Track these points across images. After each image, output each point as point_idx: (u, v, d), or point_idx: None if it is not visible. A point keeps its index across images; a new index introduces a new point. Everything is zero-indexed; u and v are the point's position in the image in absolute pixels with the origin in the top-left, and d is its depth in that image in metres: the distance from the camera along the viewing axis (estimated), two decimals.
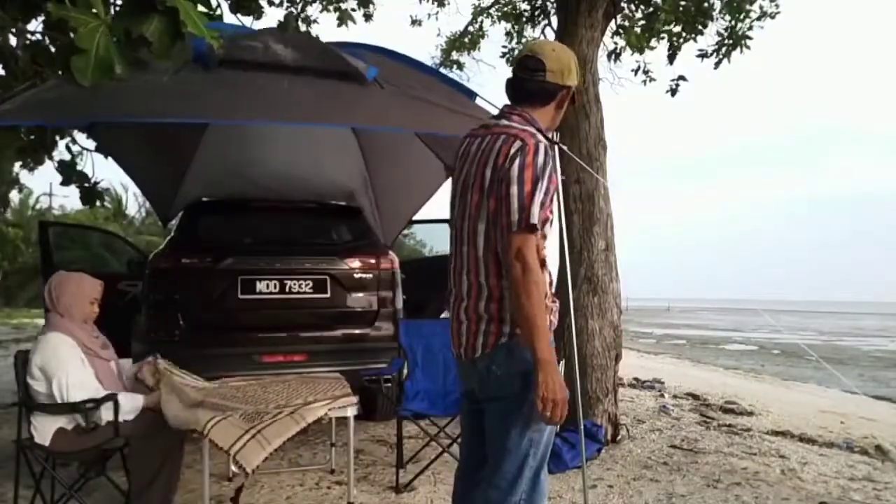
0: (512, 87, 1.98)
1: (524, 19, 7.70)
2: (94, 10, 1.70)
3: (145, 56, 1.84)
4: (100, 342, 3.03)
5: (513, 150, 1.77)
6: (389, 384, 4.91)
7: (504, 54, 8.17)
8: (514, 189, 1.72)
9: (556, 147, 2.98)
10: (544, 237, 1.84)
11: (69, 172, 3.90)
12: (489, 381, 1.86)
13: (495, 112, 3.17)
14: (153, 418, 2.84)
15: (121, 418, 2.74)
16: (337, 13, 6.52)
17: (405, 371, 4.17)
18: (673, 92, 6.94)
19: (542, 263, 1.82)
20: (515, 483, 1.84)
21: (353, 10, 6.68)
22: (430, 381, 4.14)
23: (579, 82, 2.06)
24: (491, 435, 1.88)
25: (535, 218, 1.71)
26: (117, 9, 1.82)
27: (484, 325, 1.85)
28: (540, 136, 1.85)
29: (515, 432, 1.82)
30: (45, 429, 2.76)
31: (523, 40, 8.14)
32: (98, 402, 2.74)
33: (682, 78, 6.84)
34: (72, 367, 2.77)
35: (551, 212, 1.82)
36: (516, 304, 1.74)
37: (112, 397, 2.74)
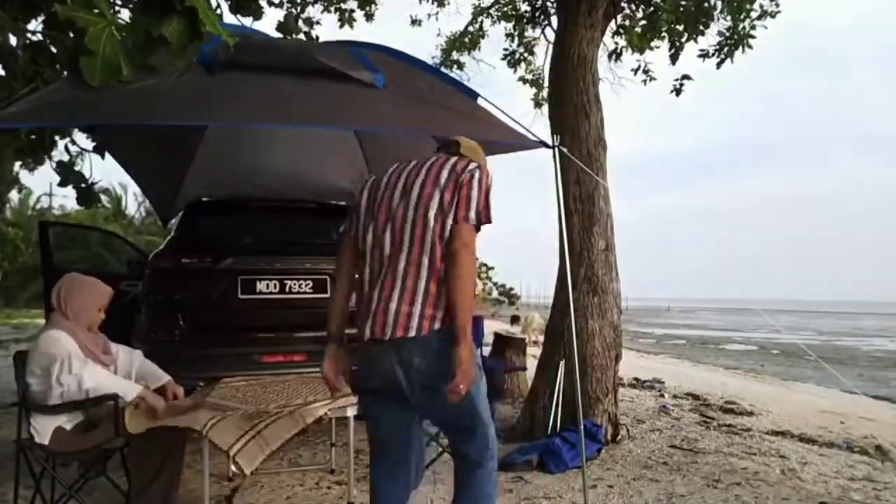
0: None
1: (524, 20, 7.70)
2: (96, 11, 1.71)
3: (153, 60, 1.85)
4: (100, 346, 3.02)
5: (471, 166, 2.11)
6: None
7: (505, 56, 8.18)
8: (474, 193, 2.06)
9: (556, 148, 2.99)
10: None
11: (67, 173, 3.91)
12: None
13: (496, 112, 3.17)
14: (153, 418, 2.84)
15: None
16: (338, 13, 6.55)
17: None
18: (677, 92, 6.95)
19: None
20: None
21: (353, 11, 6.70)
22: None
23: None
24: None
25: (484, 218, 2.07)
26: (131, 8, 1.84)
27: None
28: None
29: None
30: (44, 428, 2.75)
31: (524, 41, 8.16)
32: (97, 401, 2.74)
33: (686, 77, 6.84)
34: (71, 350, 2.73)
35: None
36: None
37: (113, 397, 2.74)
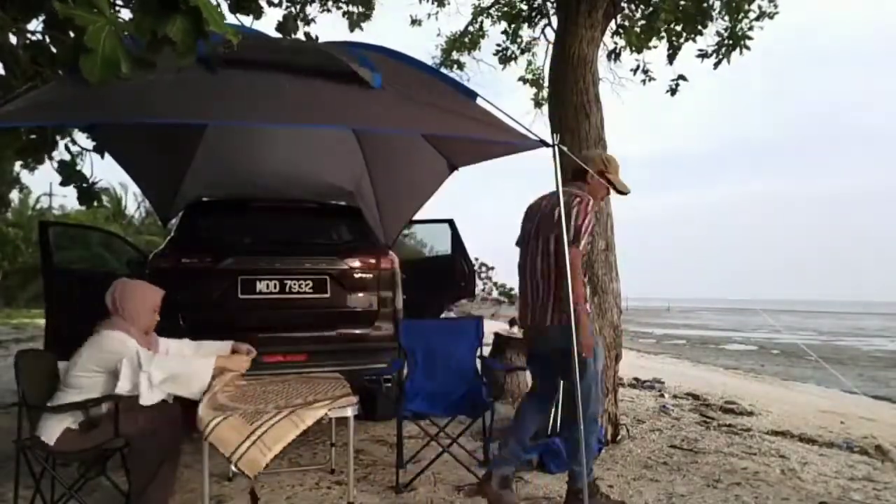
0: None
1: (521, 18, 7.71)
2: (95, 10, 1.71)
3: (150, 57, 1.85)
4: (155, 348, 3.06)
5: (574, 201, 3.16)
6: (389, 384, 4.91)
7: (497, 52, 8.19)
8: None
9: (556, 147, 2.98)
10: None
11: (69, 172, 3.91)
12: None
13: (496, 112, 3.17)
14: (153, 418, 2.84)
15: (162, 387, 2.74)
16: (345, 16, 6.56)
17: (405, 371, 4.16)
18: (673, 91, 6.97)
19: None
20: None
21: (364, 13, 6.71)
22: (431, 381, 4.14)
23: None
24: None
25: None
26: (132, 7, 1.85)
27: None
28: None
29: None
30: (52, 429, 2.76)
31: (518, 40, 8.17)
32: (98, 401, 2.74)
33: (682, 77, 6.87)
34: (142, 356, 2.77)
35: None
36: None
37: (112, 397, 2.74)
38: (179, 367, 2.87)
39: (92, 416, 2.78)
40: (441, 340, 4.23)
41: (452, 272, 5.80)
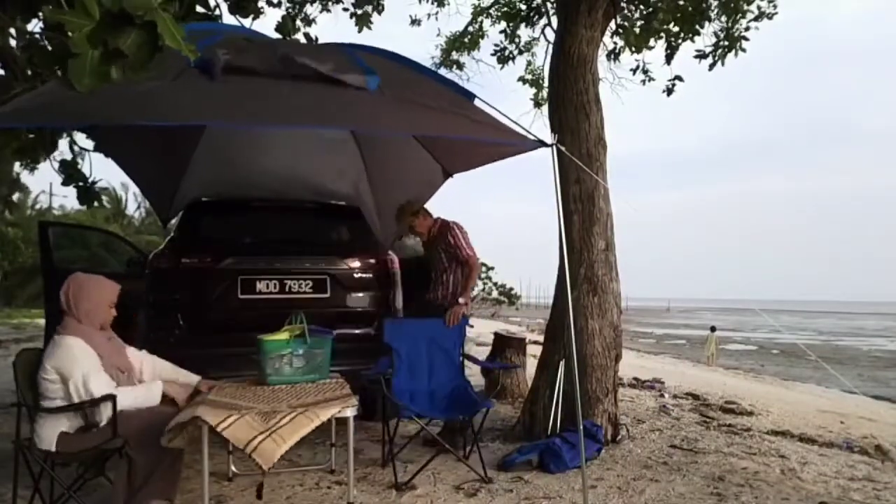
0: None
1: (519, 18, 7.71)
2: (90, 14, 1.70)
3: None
4: (116, 348, 3.03)
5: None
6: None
7: (495, 52, 8.20)
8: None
9: (555, 148, 2.99)
10: None
11: (70, 172, 3.92)
12: None
13: (494, 113, 3.17)
14: (153, 417, 2.84)
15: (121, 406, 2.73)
16: (352, 17, 6.57)
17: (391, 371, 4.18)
18: (669, 92, 6.99)
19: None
20: None
21: (370, 14, 6.71)
22: (416, 381, 4.16)
23: None
24: None
25: None
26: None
27: None
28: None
29: None
30: (48, 435, 2.75)
31: (516, 39, 8.18)
32: (96, 402, 2.74)
33: (678, 78, 6.90)
34: (89, 367, 2.76)
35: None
36: None
37: (110, 397, 2.74)
38: (127, 399, 2.81)
39: (89, 418, 2.78)
40: (426, 339, 4.27)
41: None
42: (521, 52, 8.25)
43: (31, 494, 2.88)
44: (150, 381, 3.07)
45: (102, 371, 2.82)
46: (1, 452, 4.13)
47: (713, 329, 17.37)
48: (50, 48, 2.91)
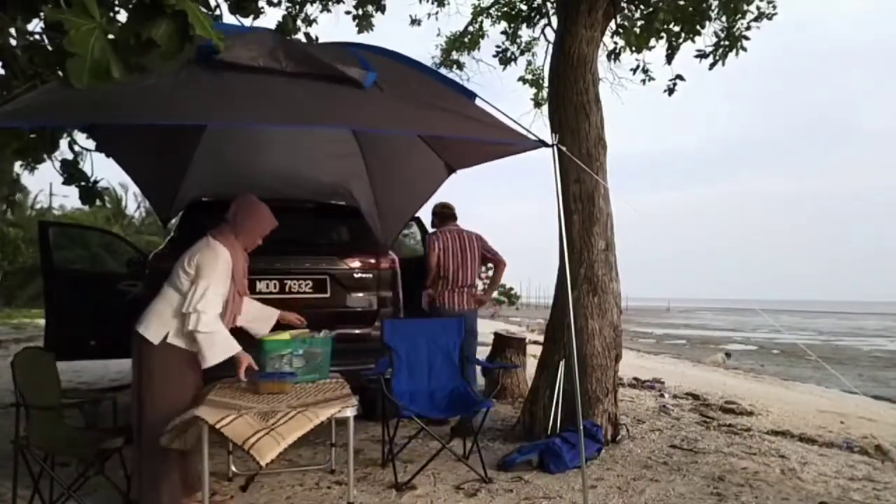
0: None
1: (520, 19, 7.71)
2: (91, 14, 1.70)
3: (143, 61, 1.83)
4: (244, 271, 3.19)
5: None
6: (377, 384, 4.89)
7: (497, 53, 8.20)
8: None
9: (555, 148, 2.98)
10: None
11: (71, 171, 3.91)
12: None
13: (495, 113, 3.17)
14: (170, 417, 2.84)
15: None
16: (354, 19, 6.58)
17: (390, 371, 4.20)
18: (670, 91, 6.99)
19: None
20: None
21: (349, 12, 6.71)
22: (415, 381, 4.19)
23: None
24: None
25: None
26: (116, 12, 1.82)
27: None
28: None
29: None
30: (156, 329, 2.91)
31: (518, 40, 8.18)
32: (96, 402, 2.75)
33: (679, 77, 6.89)
34: (219, 283, 2.93)
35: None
36: None
37: (110, 397, 2.76)
38: (219, 327, 2.94)
39: (89, 415, 2.80)
40: (426, 339, 4.30)
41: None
42: (522, 53, 8.26)
43: (31, 494, 2.88)
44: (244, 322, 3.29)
45: (222, 297, 2.98)
46: (1, 452, 4.14)
47: (728, 355, 17.67)
48: (50, 48, 2.91)
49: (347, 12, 6.78)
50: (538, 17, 7.38)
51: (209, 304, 2.85)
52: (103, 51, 1.71)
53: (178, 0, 1.68)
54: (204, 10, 1.86)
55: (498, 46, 8.14)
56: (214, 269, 2.91)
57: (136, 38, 1.73)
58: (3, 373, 8.18)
